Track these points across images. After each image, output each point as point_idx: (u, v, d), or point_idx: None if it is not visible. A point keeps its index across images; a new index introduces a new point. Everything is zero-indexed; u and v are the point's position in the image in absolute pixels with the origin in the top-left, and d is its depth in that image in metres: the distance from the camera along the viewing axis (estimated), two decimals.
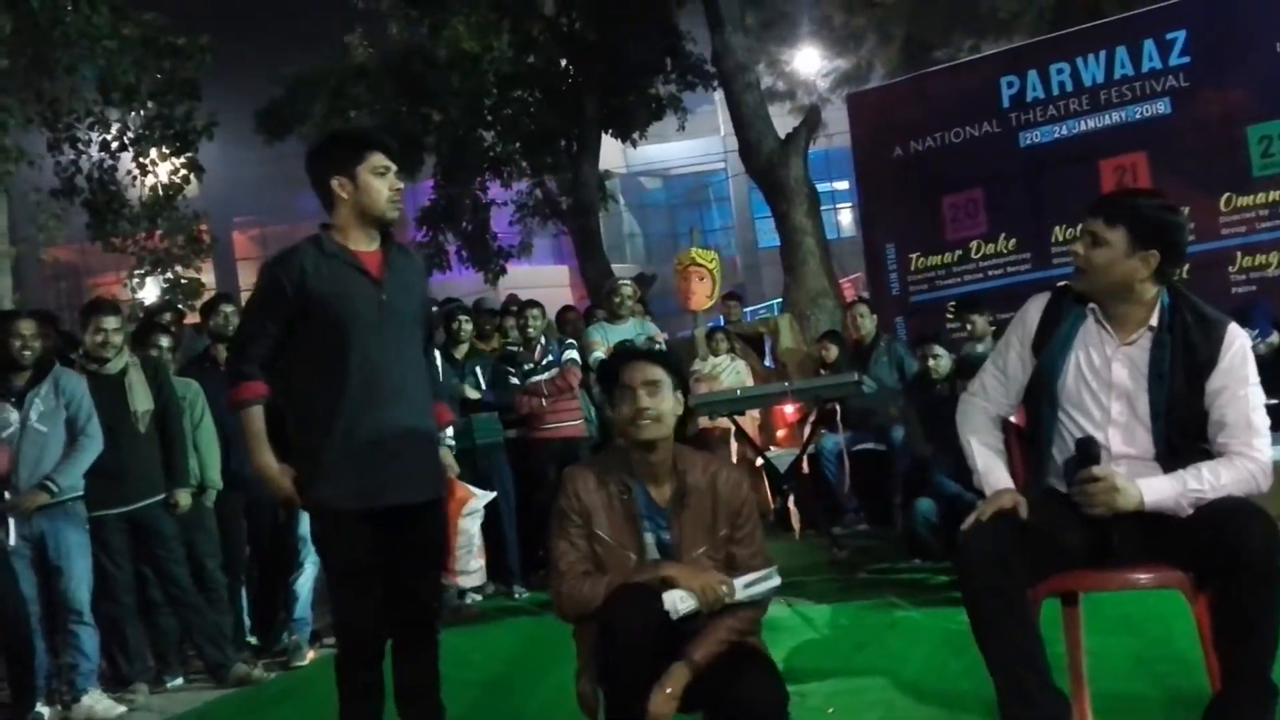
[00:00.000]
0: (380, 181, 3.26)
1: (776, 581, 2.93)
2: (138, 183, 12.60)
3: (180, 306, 11.50)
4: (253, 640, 6.08)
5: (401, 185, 3.33)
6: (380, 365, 3.23)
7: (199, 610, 5.44)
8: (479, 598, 6.66)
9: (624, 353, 3.26)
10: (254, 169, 20.45)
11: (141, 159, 12.45)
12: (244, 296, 8.04)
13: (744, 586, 2.89)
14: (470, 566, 3.55)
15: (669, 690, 2.78)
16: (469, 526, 3.47)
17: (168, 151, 12.53)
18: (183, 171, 12.75)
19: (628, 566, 2.95)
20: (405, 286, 3.34)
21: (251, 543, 6.07)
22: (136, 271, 13.05)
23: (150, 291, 13.51)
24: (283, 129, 14.70)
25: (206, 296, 10.43)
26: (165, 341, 6.02)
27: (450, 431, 6.11)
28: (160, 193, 12.60)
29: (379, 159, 3.26)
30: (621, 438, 3.02)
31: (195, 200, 13.51)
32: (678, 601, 2.81)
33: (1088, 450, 2.83)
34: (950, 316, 8.94)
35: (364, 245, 3.30)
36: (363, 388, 3.19)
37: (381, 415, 3.22)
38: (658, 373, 3.00)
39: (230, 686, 5.33)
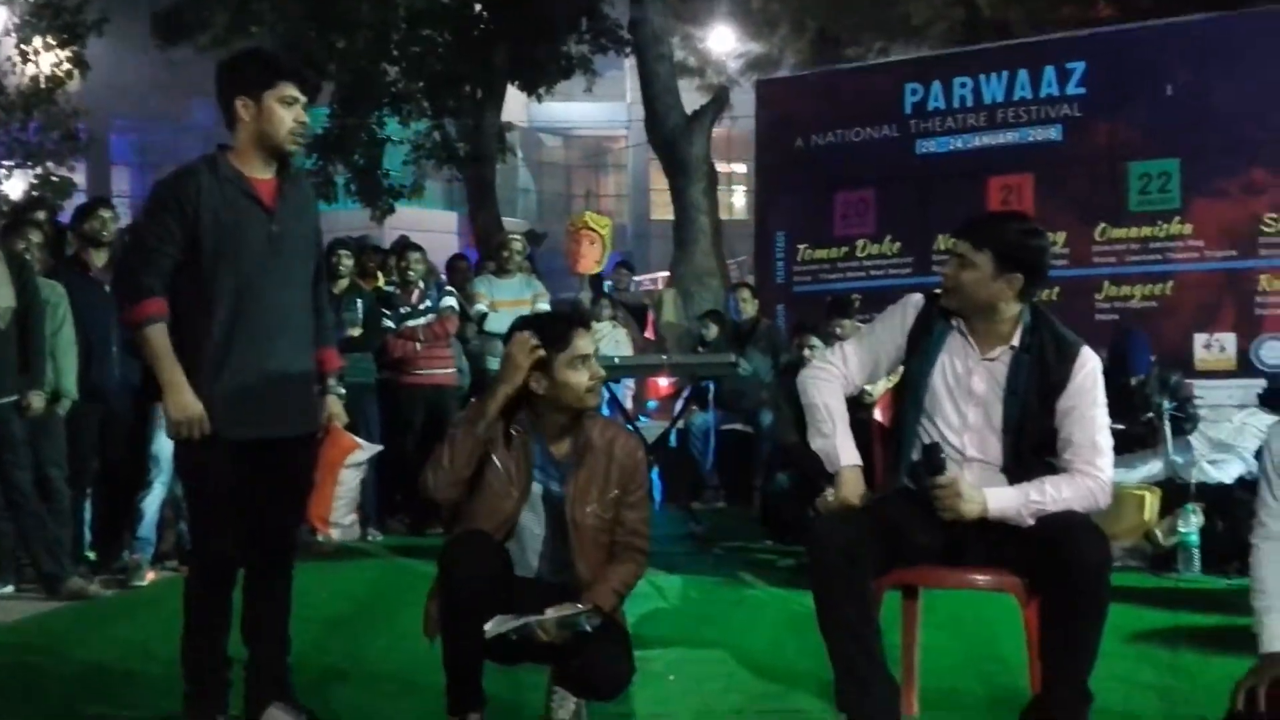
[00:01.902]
0: (285, 111, 3.15)
1: (586, 628, 2.85)
2: (17, 69, 12.05)
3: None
4: (91, 555, 5.91)
5: (307, 120, 3.24)
6: (263, 296, 3.16)
7: (39, 519, 5.27)
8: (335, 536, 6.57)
9: (571, 316, 3.26)
10: (142, 72, 19.61)
11: (24, 46, 11.90)
12: (117, 201, 7.75)
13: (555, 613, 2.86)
14: (345, 520, 3.49)
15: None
16: (350, 479, 3.41)
17: (53, 42, 12.02)
18: (66, 65, 12.25)
19: (504, 508, 3.00)
20: (297, 218, 3.27)
21: (102, 458, 5.89)
22: (5, 163, 12.52)
23: (16, 185, 12.97)
24: (178, 35, 14.12)
25: (77, 198, 10.05)
26: (36, 238, 5.77)
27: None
28: (40, 84, 12.08)
29: (288, 89, 3.16)
30: (555, 402, 3.01)
31: (76, 96, 12.99)
32: (498, 625, 2.80)
33: (931, 457, 2.95)
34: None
35: (259, 172, 3.20)
36: (244, 318, 3.13)
37: (262, 347, 3.16)
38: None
39: (63, 599, 5.18)
